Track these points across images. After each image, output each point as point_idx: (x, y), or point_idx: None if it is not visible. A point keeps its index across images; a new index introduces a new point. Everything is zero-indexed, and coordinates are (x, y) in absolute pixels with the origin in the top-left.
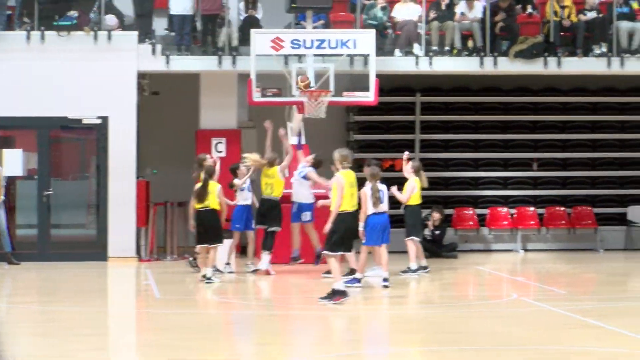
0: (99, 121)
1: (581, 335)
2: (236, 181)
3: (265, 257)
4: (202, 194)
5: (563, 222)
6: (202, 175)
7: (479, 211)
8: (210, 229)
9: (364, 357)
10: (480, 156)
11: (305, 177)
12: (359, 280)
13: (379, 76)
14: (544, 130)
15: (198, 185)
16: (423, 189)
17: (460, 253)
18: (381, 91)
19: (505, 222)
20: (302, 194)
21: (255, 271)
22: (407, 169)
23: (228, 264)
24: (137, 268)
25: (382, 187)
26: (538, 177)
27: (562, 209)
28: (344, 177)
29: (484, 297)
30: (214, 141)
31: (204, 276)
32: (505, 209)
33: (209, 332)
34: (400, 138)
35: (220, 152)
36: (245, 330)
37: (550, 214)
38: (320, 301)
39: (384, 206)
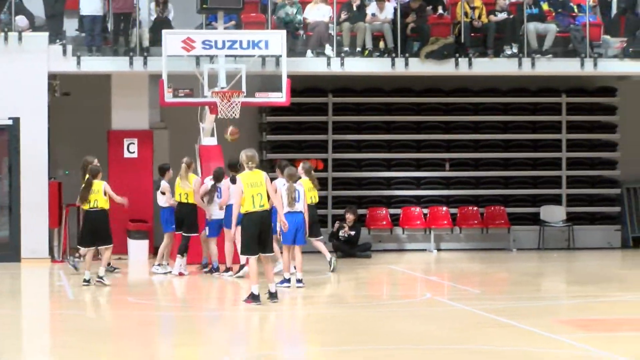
0: (10, 122)
1: (494, 335)
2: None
3: (179, 260)
4: (84, 195)
5: (476, 221)
6: (86, 176)
7: (392, 211)
8: (99, 229)
9: (278, 357)
10: (392, 156)
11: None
12: (288, 280)
13: (291, 77)
14: (457, 130)
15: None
16: (325, 189)
17: (374, 253)
18: (293, 92)
19: (418, 222)
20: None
21: (168, 273)
22: (299, 171)
23: (160, 264)
24: (50, 269)
25: (300, 187)
26: (451, 177)
27: (475, 208)
28: (242, 178)
29: (398, 296)
30: (126, 142)
31: (99, 276)
32: (418, 209)
33: (125, 334)
34: (313, 139)
35: (132, 152)
36: (161, 331)
37: (463, 214)
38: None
39: (300, 206)
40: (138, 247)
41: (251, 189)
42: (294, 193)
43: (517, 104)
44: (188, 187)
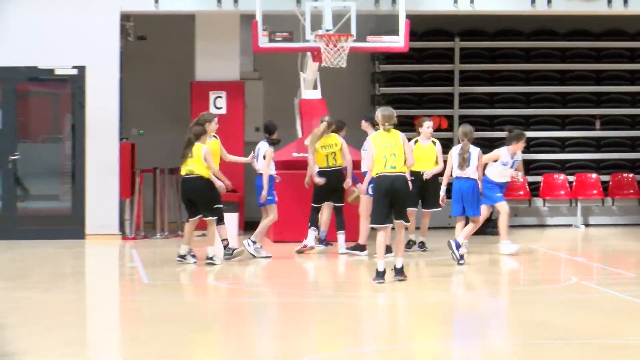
0: (74, 72)
1: None
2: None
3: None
4: (183, 155)
5: (632, 191)
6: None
7: (530, 179)
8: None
9: (396, 353)
10: (532, 112)
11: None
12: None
13: (410, 17)
14: (609, 81)
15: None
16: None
17: (509, 229)
18: (413, 35)
19: (563, 192)
20: None
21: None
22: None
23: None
24: (121, 247)
25: (474, 149)
26: (602, 138)
27: (632, 175)
28: (374, 139)
29: (537, 281)
30: (212, 95)
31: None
32: (562, 176)
33: (207, 324)
34: (436, 91)
35: (219, 108)
36: (253, 321)
37: (617, 182)
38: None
39: (470, 171)
40: (226, 222)
41: (383, 150)
42: (466, 154)
43: None
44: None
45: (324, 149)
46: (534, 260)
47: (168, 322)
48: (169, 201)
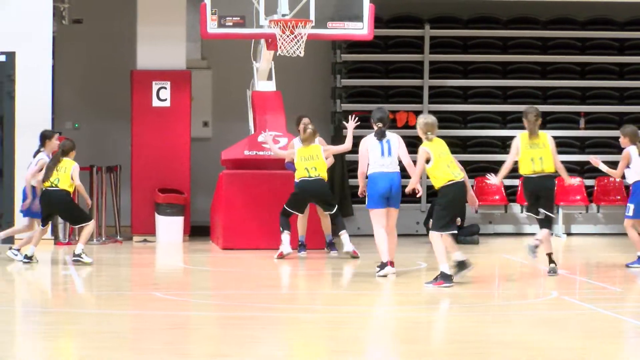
0: (2, 58)
1: (637, 347)
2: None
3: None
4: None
5: (619, 197)
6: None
7: (507, 182)
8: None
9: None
10: (509, 109)
11: None
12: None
13: (376, 2)
14: (596, 74)
15: None
16: None
17: (482, 237)
18: (378, 22)
19: None
20: None
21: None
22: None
23: None
24: (54, 253)
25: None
26: (587, 137)
27: (618, 180)
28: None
29: (514, 295)
30: (155, 86)
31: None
32: None
33: (143, 340)
34: (403, 84)
35: (163, 100)
36: (192, 338)
37: (603, 187)
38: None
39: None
40: (170, 226)
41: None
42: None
43: None
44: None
45: (304, 161)
46: (510, 273)
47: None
48: (107, 203)
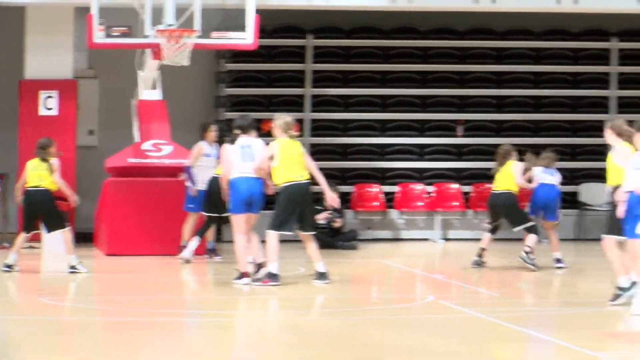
0: None
1: (516, 351)
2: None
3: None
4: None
5: None
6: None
7: (386, 189)
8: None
9: None
10: (389, 117)
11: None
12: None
13: (260, 12)
14: (473, 83)
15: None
16: None
17: (362, 243)
18: (262, 32)
19: (421, 203)
20: None
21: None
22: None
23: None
24: None
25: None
26: (464, 145)
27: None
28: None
29: (391, 300)
30: (42, 95)
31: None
32: (420, 186)
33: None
34: (286, 93)
35: (50, 109)
36: (73, 342)
37: (479, 193)
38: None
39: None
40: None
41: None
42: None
43: (553, 50)
44: None
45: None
46: (388, 278)
47: None
48: None
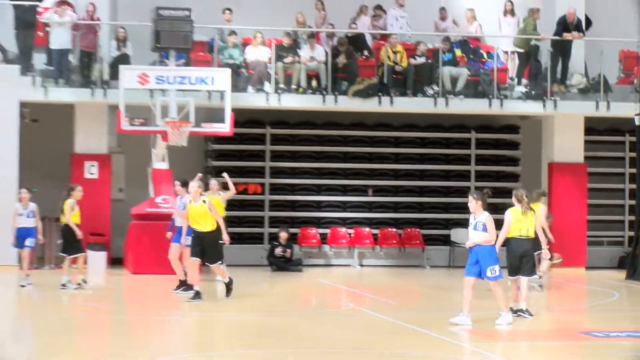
0: None
1: (407, 341)
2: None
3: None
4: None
5: (394, 241)
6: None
7: (321, 230)
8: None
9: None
10: (322, 182)
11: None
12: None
13: (234, 110)
14: (379, 160)
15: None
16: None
17: (305, 267)
18: (236, 123)
19: (344, 241)
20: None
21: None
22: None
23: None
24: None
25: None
26: (373, 202)
27: (394, 230)
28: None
29: (324, 306)
30: (86, 164)
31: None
32: (344, 229)
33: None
34: (253, 165)
35: (92, 174)
36: None
37: (384, 234)
38: None
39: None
40: (96, 257)
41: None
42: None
43: (432, 138)
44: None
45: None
46: (322, 291)
47: None
48: (54, 241)
